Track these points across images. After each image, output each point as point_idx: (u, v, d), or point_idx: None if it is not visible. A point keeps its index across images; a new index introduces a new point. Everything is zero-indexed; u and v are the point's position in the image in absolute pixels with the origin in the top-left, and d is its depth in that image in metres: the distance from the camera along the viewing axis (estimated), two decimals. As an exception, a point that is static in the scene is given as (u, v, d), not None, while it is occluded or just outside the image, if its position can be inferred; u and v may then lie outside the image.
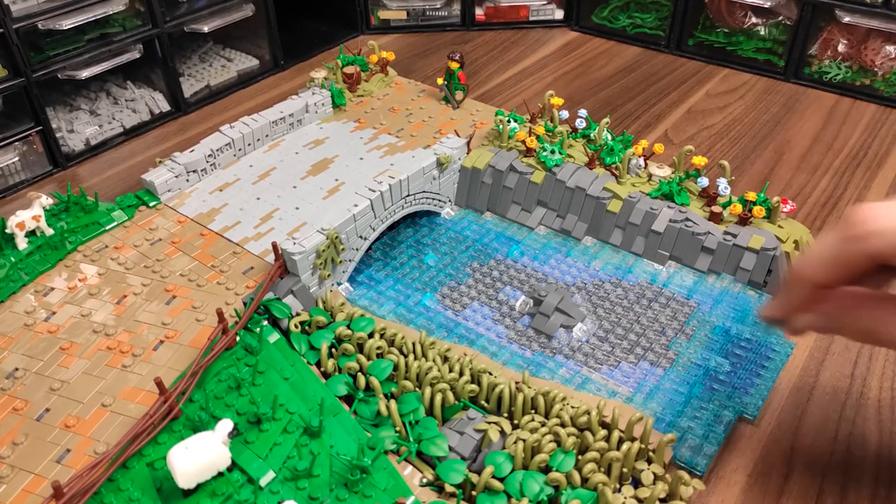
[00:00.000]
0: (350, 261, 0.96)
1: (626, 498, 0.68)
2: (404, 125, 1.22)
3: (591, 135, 1.11)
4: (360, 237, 0.96)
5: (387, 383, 0.79)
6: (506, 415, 0.76)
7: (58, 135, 1.22)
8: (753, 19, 1.47)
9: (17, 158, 1.17)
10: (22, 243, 0.96)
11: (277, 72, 1.52)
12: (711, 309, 0.91)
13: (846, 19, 1.34)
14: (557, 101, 1.15)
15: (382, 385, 0.78)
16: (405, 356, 0.82)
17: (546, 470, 0.70)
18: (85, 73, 1.22)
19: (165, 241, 0.99)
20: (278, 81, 1.49)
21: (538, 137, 1.07)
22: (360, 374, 0.79)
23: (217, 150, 1.12)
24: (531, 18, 1.69)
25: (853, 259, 0.66)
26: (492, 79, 1.48)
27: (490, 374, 0.79)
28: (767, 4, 1.42)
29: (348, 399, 0.79)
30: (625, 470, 0.70)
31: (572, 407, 0.75)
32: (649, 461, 0.72)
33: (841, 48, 1.39)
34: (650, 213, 0.98)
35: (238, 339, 0.82)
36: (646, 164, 1.05)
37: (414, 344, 0.83)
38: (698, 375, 0.82)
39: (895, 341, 0.67)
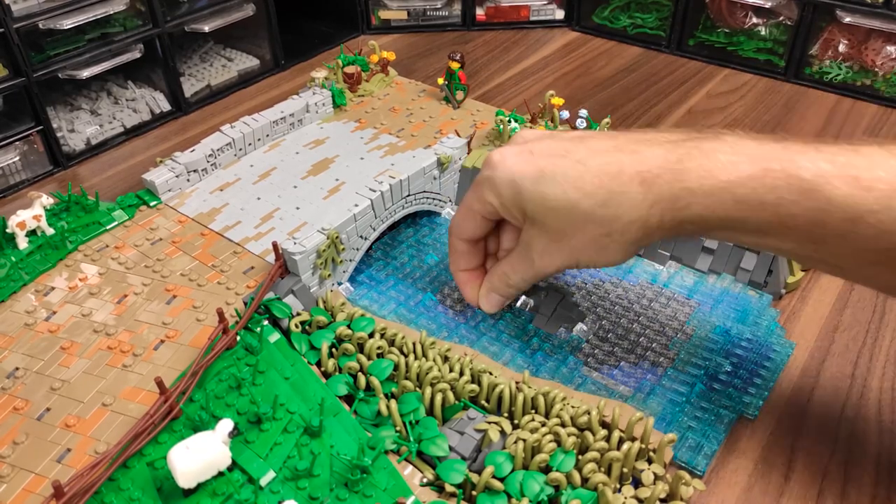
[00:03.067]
0: (350, 261, 0.96)
1: (626, 498, 0.68)
2: (405, 125, 1.22)
3: (592, 135, 1.11)
4: (361, 237, 0.96)
5: (387, 383, 0.79)
6: (506, 415, 0.76)
7: (58, 134, 1.22)
8: (754, 19, 1.47)
9: (17, 158, 1.17)
10: (22, 243, 0.96)
11: (278, 72, 1.52)
12: (712, 309, 0.91)
13: (847, 19, 1.34)
14: (558, 101, 1.15)
15: (383, 385, 0.78)
16: (405, 356, 0.82)
17: (546, 470, 0.70)
18: (85, 73, 1.22)
19: (166, 240, 0.99)
20: (279, 81, 1.49)
21: (539, 137, 1.07)
22: (360, 373, 0.79)
23: (217, 149, 1.12)
24: (532, 18, 1.69)
25: (477, 209, 0.79)
26: (492, 79, 1.48)
27: (490, 373, 0.79)
28: (768, 5, 1.42)
29: (349, 399, 0.79)
30: (625, 470, 0.70)
31: (572, 407, 0.75)
32: (650, 461, 0.72)
33: (842, 48, 1.39)
34: (651, 214, 0.98)
35: (238, 338, 0.82)
36: (646, 165, 1.05)
37: (414, 344, 0.83)
38: (699, 375, 0.82)
39: (519, 281, 0.81)
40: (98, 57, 1.23)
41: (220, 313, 0.80)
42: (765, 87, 1.43)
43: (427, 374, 0.77)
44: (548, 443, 0.71)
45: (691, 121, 1.32)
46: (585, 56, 1.57)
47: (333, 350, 0.83)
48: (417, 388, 0.77)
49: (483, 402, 0.77)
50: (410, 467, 0.72)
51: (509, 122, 1.13)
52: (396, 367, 0.80)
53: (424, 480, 0.71)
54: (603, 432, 0.72)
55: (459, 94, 1.26)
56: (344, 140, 1.19)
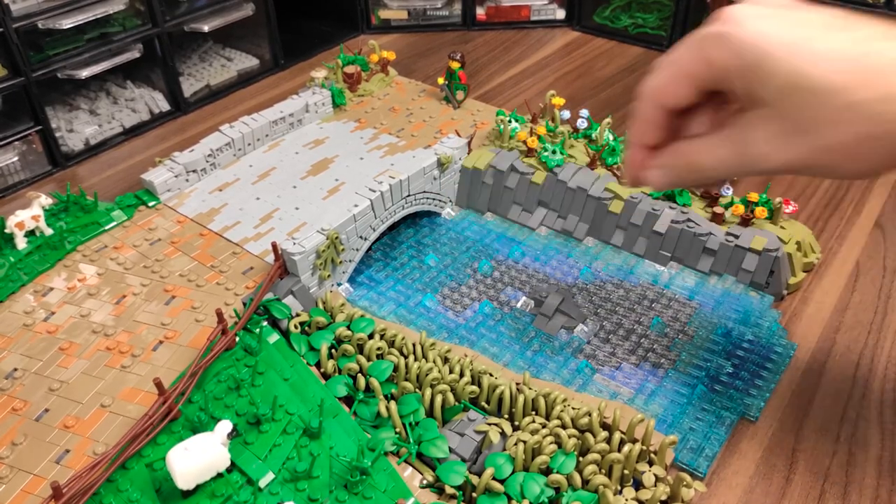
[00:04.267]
0: (350, 261, 0.95)
1: (627, 500, 0.68)
2: (405, 125, 1.22)
3: (593, 135, 1.10)
4: (361, 237, 0.95)
5: (387, 384, 0.78)
6: (506, 416, 0.76)
7: (57, 134, 1.22)
8: (755, 19, 1.46)
9: (16, 158, 1.17)
10: (21, 243, 0.96)
11: (278, 71, 1.52)
12: (713, 310, 0.91)
13: (848, 19, 1.33)
14: (559, 101, 1.14)
15: (382, 386, 0.78)
16: (405, 357, 0.81)
17: (547, 471, 0.70)
18: (85, 73, 1.22)
19: (165, 241, 0.99)
20: (278, 81, 1.49)
21: (539, 137, 1.07)
22: (360, 374, 0.79)
23: (217, 149, 1.11)
24: (532, 18, 1.68)
25: (695, 71, 0.63)
26: (493, 79, 1.47)
27: (491, 375, 0.79)
28: (769, 4, 1.42)
29: (348, 400, 0.78)
30: (626, 471, 0.70)
31: (573, 408, 0.75)
32: (650, 463, 0.71)
33: (843, 48, 1.38)
34: (652, 214, 0.98)
35: (237, 339, 0.82)
36: (647, 165, 1.05)
37: (414, 345, 0.82)
38: (700, 377, 0.82)
39: (712, 168, 0.65)
40: (97, 57, 1.23)
41: (219, 314, 0.80)
42: (766, 88, 1.43)
43: (427, 375, 0.77)
44: (548, 444, 0.71)
45: (692, 121, 1.32)
46: (586, 56, 1.57)
47: (333, 351, 0.83)
48: (417, 390, 0.77)
49: (483, 403, 0.77)
50: (410, 469, 0.72)
51: (510, 121, 1.12)
52: (396, 369, 0.79)
53: (424, 482, 0.71)
54: (604, 434, 0.72)
55: (460, 94, 1.26)
56: (344, 140, 1.19)
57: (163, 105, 1.36)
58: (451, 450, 0.72)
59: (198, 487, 0.68)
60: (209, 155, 1.10)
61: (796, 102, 0.57)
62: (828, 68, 0.56)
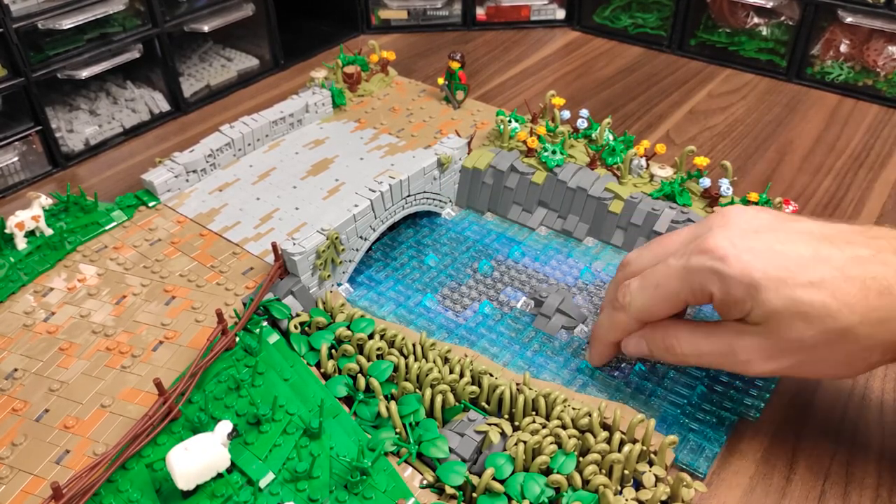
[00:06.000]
0: (350, 261, 0.95)
1: (627, 500, 0.68)
2: (405, 125, 1.22)
3: (593, 135, 1.10)
4: (361, 237, 0.95)
5: (387, 384, 0.78)
6: (506, 416, 0.76)
7: (57, 135, 1.22)
8: (755, 19, 1.47)
9: (16, 158, 1.17)
10: (21, 243, 0.96)
11: (277, 71, 1.52)
12: (713, 310, 0.90)
13: (848, 20, 1.34)
14: (559, 101, 1.14)
15: (382, 386, 0.78)
16: (405, 357, 0.81)
17: (547, 472, 0.70)
18: (85, 73, 1.22)
19: (165, 241, 0.99)
20: (278, 81, 1.49)
21: (539, 137, 1.07)
22: (360, 375, 0.79)
23: (217, 150, 1.11)
24: (532, 18, 1.68)
25: (685, 297, 0.71)
26: (493, 79, 1.47)
27: (491, 375, 0.79)
28: (769, 5, 1.42)
29: (348, 400, 0.78)
30: (626, 472, 0.70)
31: (573, 408, 0.75)
32: (651, 463, 0.71)
33: (843, 49, 1.38)
34: (652, 214, 0.98)
35: (237, 339, 0.82)
36: (647, 165, 1.05)
37: (414, 345, 0.82)
38: (700, 377, 0.82)
39: (689, 356, 0.73)
40: (97, 57, 1.23)
41: (219, 314, 0.80)
42: (766, 88, 1.43)
43: (427, 375, 0.77)
44: (548, 444, 0.71)
45: (693, 121, 1.32)
46: (586, 56, 1.57)
47: (333, 351, 0.83)
48: (417, 390, 0.77)
49: (483, 403, 0.77)
50: (410, 469, 0.72)
51: (510, 121, 1.12)
52: (396, 369, 0.79)
53: (424, 482, 0.71)
54: (604, 434, 0.72)
55: (460, 94, 1.26)
56: (344, 140, 1.19)
57: (163, 105, 1.36)
58: (451, 450, 0.72)
59: (198, 488, 0.68)
60: (209, 155, 1.10)
61: (790, 324, 0.64)
62: (820, 299, 0.62)
